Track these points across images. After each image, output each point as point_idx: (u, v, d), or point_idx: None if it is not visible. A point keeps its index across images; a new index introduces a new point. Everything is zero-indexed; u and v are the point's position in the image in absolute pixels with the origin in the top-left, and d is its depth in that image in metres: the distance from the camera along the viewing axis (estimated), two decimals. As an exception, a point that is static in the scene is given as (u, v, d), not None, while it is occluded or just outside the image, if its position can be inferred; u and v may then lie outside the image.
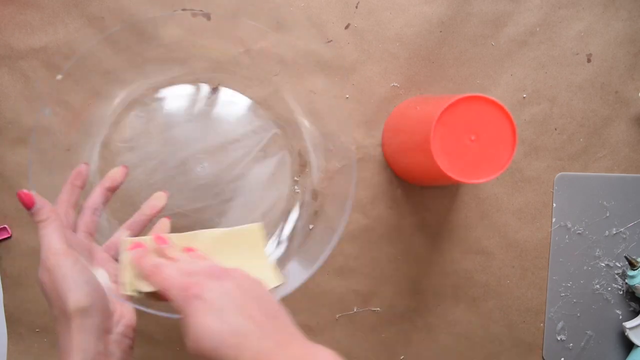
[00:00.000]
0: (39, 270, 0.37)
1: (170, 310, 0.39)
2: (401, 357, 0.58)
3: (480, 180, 0.43)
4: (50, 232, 0.38)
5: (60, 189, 0.56)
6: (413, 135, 0.47)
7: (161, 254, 0.41)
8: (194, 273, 0.36)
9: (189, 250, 0.42)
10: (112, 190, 0.46)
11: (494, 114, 0.43)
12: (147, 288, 0.39)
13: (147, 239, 0.43)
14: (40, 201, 0.40)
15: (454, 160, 0.43)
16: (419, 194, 0.57)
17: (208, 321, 0.32)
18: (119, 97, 0.54)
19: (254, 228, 0.45)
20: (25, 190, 0.40)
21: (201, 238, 0.43)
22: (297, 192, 0.55)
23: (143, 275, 0.39)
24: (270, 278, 0.44)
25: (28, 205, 0.39)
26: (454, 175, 0.43)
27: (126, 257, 0.41)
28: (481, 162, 0.43)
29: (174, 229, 0.45)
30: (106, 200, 0.45)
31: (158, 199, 0.47)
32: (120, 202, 0.51)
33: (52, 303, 0.36)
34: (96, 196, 0.45)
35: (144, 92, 0.54)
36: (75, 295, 0.35)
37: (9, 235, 0.54)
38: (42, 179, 0.55)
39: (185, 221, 0.52)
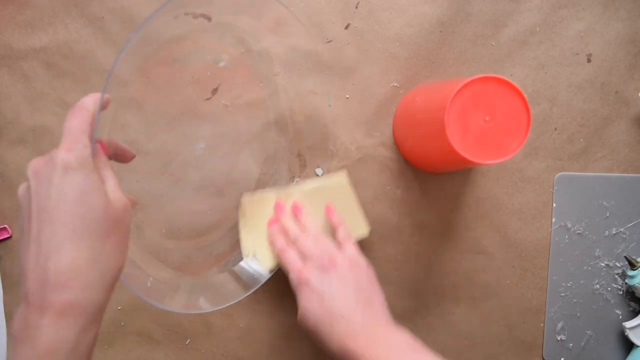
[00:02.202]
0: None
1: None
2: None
3: (495, 161, 0.42)
4: (116, 179, 0.35)
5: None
6: (427, 118, 0.47)
7: (282, 220, 0.50)
8: (309, 257, 0.46)
9: (295, 209, 0.50)
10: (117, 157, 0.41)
11: (508, 95, 0.42)
12: (274, 265, 0.49)
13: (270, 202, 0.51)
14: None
15: (468, 141, 0.42)
16: (419, 195, 0.57)
17: (312, 304, 0.43)
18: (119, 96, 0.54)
19: (341, 181, 0.51)
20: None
21: (296, 195, 0.51)
22: None
23: (275, 251, 0.48)
24: (361, 225, 0.52)
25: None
26: (469, 156, 0.42)
27: (268, 233, 0.50)
28: (496, 143, 0.43)
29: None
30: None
31: None
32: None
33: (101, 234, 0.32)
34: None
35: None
36: (125, 255, 0.34)
37: (9, 235, 0.54)
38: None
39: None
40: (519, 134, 0.43)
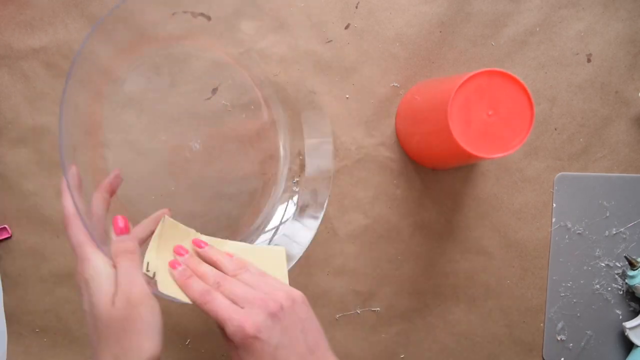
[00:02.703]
0: (102, 295, 0.35)
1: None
2: (401, 357, 0.58)
3: (498, 155, 0.42)
4: (136, 267, 0.37)
5: (59, 189, 0.56)
6: (431, 111, 0.47)
7: (203, 257, 0.42)
8: (248, 302, 0.37)
9: (227, 255, 0.42)
10: (111, 194, 0.42)
11: (511, 89, 0.42)
12: (184, 298, 0.39)
13: (185, 243, 0.43)
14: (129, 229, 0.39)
15: (471, 135, 0.42)
16: (419, 195, 0.57)
17: None
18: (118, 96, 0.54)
19: (279, 250, 0.46)
20: (122, 217, 0.39)
21: (230, 246, 0.44)
22: (295, 191, 0.55)
23: (192, 299, 0.38)
24: None
25: (123, 231, 0.39)
26: (471, 149, 0.42)
27: (160, 259, 0.41)
28: (499, 137, 0.43)
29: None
30: (107, 206, 0.41)
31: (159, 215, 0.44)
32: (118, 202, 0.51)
33: (112, 337, 0.34)
34: (98, 204, 0.41)
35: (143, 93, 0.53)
36: (151, 344, 0.35)
37: (9, 235, 0.54)
38: (42, 179, 0.55)
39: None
40: (522, 129, 0.43)
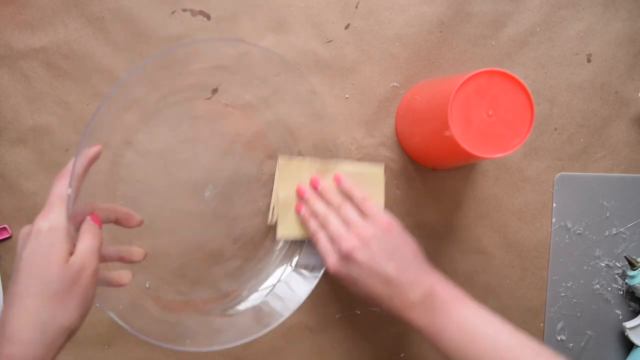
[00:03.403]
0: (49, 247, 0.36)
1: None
2: (401, 357, 0.58)
3: (498, 155, 0.42)
4: (97, 249, 0.38)
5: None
6: (431, 111, 0.47)
7: (319, 194, 0.50)
8: (352, 225, 0.46)
9: (337, 180, 0.50)
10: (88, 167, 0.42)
11: (512, 89, 0.42)
12: (299, 235, 0.50)
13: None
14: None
15: (471, 135, 0.42)
16: (419, 195, 0.57)
17: (368, 281, 0.43)
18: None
19: (378, 171, 0.51)
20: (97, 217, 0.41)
21: (339, 166, 0.51)
22: None
23: (308, 237, 0.49)
24: None
25: (97, 222, 0.40)
26: (472, 149, 0.42)
27: (286, 203, 0.50)
28: (499, 137, 0.43)
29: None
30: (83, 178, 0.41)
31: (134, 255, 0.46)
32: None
33: (48, 290, 0.35)
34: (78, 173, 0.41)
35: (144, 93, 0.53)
36: (78, 315, 0.36)
37: (9, 235, 0.54)
38: (42, 179, 0.55)
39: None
40: (522, 129, 0.43)
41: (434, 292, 0.43)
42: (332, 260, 0.45)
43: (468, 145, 0.42)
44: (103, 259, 0.43)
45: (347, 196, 0.49)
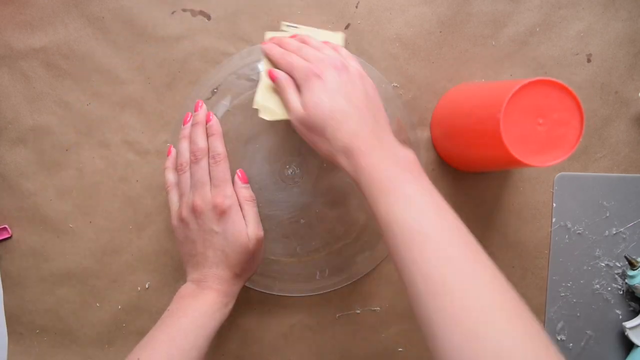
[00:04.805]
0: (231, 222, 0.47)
1: None
2: (401, 356, 0.58)
3: (550, 163, 0.43)
4: (257, 212, 0.49)
5: (59, 189, 0.56)
6: (478, 120, 0.47)
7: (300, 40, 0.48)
8: (319, 60, 0.44)
9: (297, 38, 0.49)
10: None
11: (561, 97, 0.43)
12: (279, 114, 0.47)
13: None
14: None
15: (523, 144, 0.43)
16: (419, 194, 0.57)
17: (322, 96, 0.42)
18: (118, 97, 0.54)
19: (338, 36, 0.52)
20: (241, 170, 0.50)
21: (301, 29, 0.52)
22: None
23: (273, 61, 0.47)
24: None
25: (245, 181, 0.50)
26: (524, 159, 0.43)
27: (264, 78, 0.47)
28: (549, 145, 0.43)
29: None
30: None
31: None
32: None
33: (240, 260, 0.47)
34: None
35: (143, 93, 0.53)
36: (253, 273, 0.51)
37: (9, 236, 0.54)
38: (42, 179, 0.55)
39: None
40: (572, 136, 0.43)
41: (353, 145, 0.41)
42: (319, 67, 0.44)
43: (521, 155, 0.42)
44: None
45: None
